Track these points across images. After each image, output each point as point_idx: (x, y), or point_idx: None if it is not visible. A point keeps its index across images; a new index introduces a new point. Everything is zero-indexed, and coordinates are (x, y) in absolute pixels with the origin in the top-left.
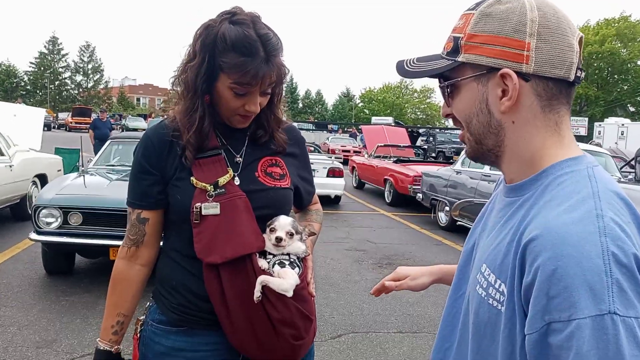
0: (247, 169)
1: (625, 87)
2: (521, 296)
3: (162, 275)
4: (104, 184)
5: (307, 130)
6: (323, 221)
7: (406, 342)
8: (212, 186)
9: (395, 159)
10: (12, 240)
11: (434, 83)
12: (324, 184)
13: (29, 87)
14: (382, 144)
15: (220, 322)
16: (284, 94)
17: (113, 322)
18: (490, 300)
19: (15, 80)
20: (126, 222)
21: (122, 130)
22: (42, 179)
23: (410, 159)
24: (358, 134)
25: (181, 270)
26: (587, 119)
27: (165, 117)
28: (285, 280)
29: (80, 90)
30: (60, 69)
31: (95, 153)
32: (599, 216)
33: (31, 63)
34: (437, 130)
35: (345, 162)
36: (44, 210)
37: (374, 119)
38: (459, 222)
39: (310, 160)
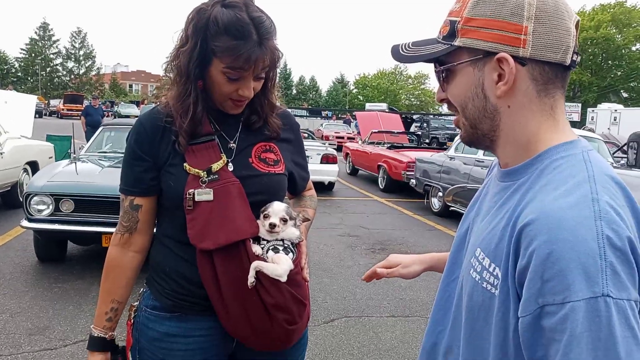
0: (240, 155)
1: (619, 73)
2: (515, 280)
3: (155, 262)
4: (96, 171)
5: (301, 116)
6: (317, 207)
7: (399, 326)
8: (205, 172)
9: (389, 145)
10: (3, 227)
11: (428, 69)
12: (317, 170)
13: (19, 74)
14: (376, 130)
15: (214, 307)
16: (277, 79)
17: (107, 309)
18: (484, 284)
19: (5, 67)
20: (118, 209)
21: (114, 117)
22: (33, 166)
23: (404, 145)
24: (352, 120)
25: (174, 257)
26: (580, 104)
27: (158, 103)
28: (279, 266)
29: (72, 76)
30: (52, 56)
31: (87, 140)
32: (595, 200)
33: (22, 49)
34: (431, 116)
35: (339, 148)
36: (35, 198)
37: (368, 105)
38: (452, 208)
39: (304, 147)
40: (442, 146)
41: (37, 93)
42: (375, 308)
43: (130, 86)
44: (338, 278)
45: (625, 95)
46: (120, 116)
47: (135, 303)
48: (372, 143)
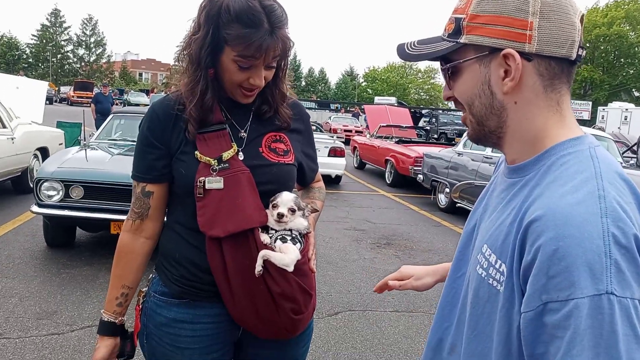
0: (251, 145)
1: (632, 72)
2: (520, 276)
3: (165, 248)
4: (106, 158)
5: (310, 109)
6: (324, 200)
7: (402, 321)
8: (216, 160)
9: (397, 139)
10: (13, 212)
11: (437, 64)
12: (325, 163)
13: (31, 60)
14: (385, 124)
15: (222, 295)
16: (288, 69)
17: (117, 294)
18: (490, 280)
19: (17, 53)
20: (127, 196)
21: (124, 106)
22: (44, 152)
23: (412, 139)
24: (361, 113)
25: (184, 243)
26: (590, 103)
27: (168, 92)
28: (286, 255)
29: (83, 64)
30: (63, 42)
31: (97, 127)
32: (601, 197)
33: (33, 35)
34: (440, 111)
35: (347, 141)
36: (45, 184)
37: (376, 99)
38: (459, 204)
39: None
40: (450, 142)
41: (48, 79)
42: (379, 302)
43: (140, 74)
44: (343, 271)
45: (637, 94)
46: (130, 104)
47: (144, 289)
48: (380, 137)
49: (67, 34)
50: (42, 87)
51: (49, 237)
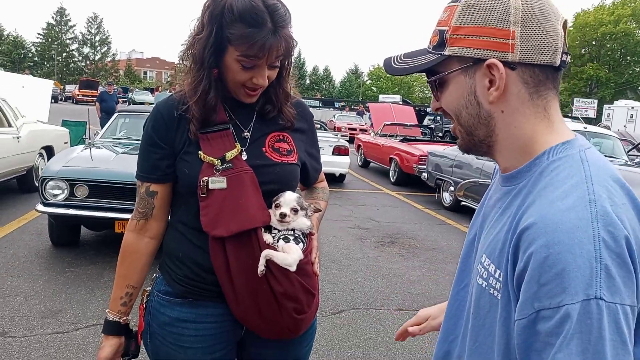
0: (254, 144)
1: (638, 70)
2: (514, 284)
3: (168, 248)
4: (111, 157)
5: (314, 107)
6: (328, 199)
7: (406, 319)
8: (219, 160)
9: (401, 137)
10: (18, 211)
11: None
12: (329, 161)
13: (36, 59)
14: (389, 123)
15: (225, 294)
16: (292, 69)
17: (122, 294)
18: (491, 290)
19: (22, 52)
20: (132, 195)
21: (128, 104)
22: (49, 151)
23: (417, 138)
24: (365, 112)
25: (188, 243)
26: (596, 101)
27: (174, 91)
28: (289, 255)
29: (88, 62)
30: (68, 41)
31: (102, 126)
32: (592, 201)
33: (38, 34)
34: None
35: (351, 140)
36: (50, 182)
37: (381, 97)
38: (463, 203)
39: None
40: (455, 140)
41: (53, 78)
42: (383, 301)
43: (145, 73)
44: (347, 270)
45: None
46: (135, 103)
47: (148, 288)
48: (385, 135)
49: (73, 32)
50: (47, 86)
51: (54, 236)
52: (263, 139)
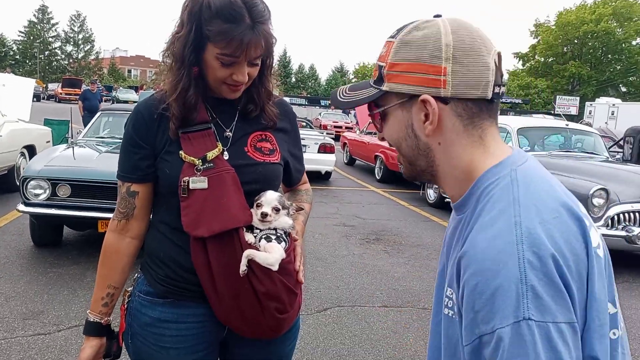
0: (236, 144)
1: (619, 67)
2: (461, 310)
3: (150, 248)
4: (93, 156)
5: (300, 105)
6: (313, 197)
7: (391, 316)
8: (200, 160)
9: None
10: None
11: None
12: (315, 159)
13: (18, 57)
14: None
15: (207, 294)
16: (275, 67)
17: (103, 294)
18: (457, 317)
19: (3, 50)
20: (115, 194)
21: (112, 102)
22: (31, 150)
23: None
24: (351, 110)
25: (169, 243)
26: (578, 98)
27: (157, 89)
28: (271, 255)
29: (71, 60)
30: (50, 39)
31: (85, 125)
32: (517, 224)
33: (20, 32)
34: None
35: (337, 138)
36: (32, 182)
37: None
38: (447, 199)
39: (302, 136)
40: None
41: (36, 76)
42: (368, 298)
43: (129, 71)
44: (332, 267)
45: (624, 89)
46: (119, 101)
47: (129, 288)
48: (370, 133)
49: (55, 30)
50: (29, 84)
51: (36, 236)
52: (245, 139)
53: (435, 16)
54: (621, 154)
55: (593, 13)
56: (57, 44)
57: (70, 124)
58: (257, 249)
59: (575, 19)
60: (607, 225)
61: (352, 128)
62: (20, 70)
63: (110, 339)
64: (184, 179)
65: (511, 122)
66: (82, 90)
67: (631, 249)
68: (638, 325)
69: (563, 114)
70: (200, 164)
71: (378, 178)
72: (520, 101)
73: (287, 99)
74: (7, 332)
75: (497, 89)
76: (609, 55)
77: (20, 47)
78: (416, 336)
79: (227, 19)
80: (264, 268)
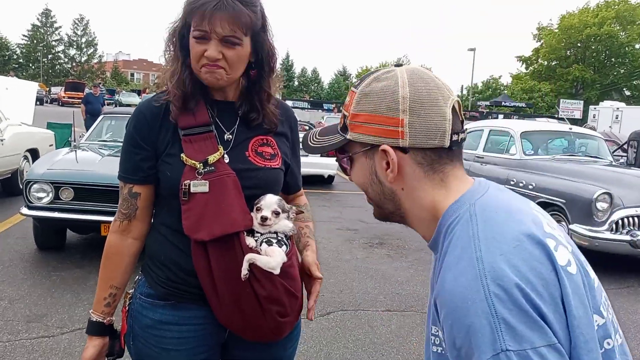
0: (237, 148)
1: (622, 71)
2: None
3: (151, 250)
4: (96, 159)
5: (302, 108)
6: (316, 201)
7: (394, 320)
8: (201, 164)
9: None
10: (3, 215)
11: (430, 62)
12: (317, 163)
13: (21, 61)
14: None
15: (208, 298)
16: (278, 70)
17: (105, 295)
18: (447, 353)
19: (7, 53)
20: (117, 198)
21: (116, 106)
22: (34, 154)
23: None
24: None
25: (170, 246)
26: (582, 102)
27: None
28: (272, 258)
29: (74, 64)
30: (54, 43)
31: (87, 128)
32: (478, 259)
33: (23, 36)
34: None
35: None
36: (35, 185)
37: None
38: None
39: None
40: None
41: (39, 80)
42: (372, 302)
43: (132, 75)
44: (335, 272)
45: (627, 93)
46: (122, 105)
47: (131, 290)
48: None
49: (58, 34)
50: (32, 88)
51: (39, 240)
52: (246, 143)
53: (396, 65)
54: (625, 158)
55: (596, 16)
56: (60, 47)
57: (73, 128)
58: (259, 253)
59: (578, 23)
60: (612, 230)
61: None
62: (24, 73)
63: (113, 339)
64: (185, 182)
65: (514, 126)
66: (84, 93)
67: (636, 254)
68: None
69: (567, 118)
70: (202, 167)
71: None
72: (523, 105)
73: (289, 103)
74: (11, 334)
75: (455, 137)
76: (613, 59)
77: (24, 50)
78: (419, 340)
79: None
80: (266, 272)
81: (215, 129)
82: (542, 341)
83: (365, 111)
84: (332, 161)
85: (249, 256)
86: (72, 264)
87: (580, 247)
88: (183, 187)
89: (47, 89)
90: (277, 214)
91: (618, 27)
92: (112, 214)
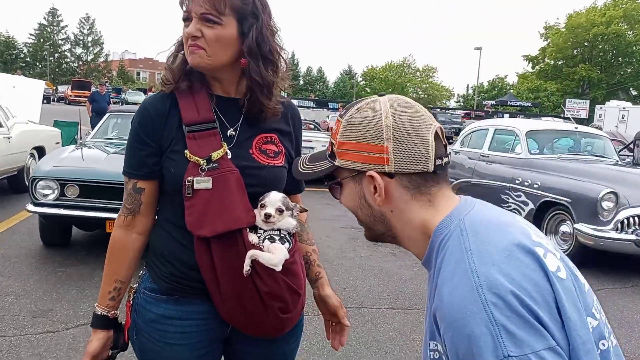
0: (241, 145)
1: (629, 70)
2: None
3: (155, 246)
4: (102, 157)
5: (308, 107)
6: (320, 199)
7: (397, 318)
8: (204, 160)
9: None
10: (9, 211)
11: (436, 62)
12: None
13: (28, 59)
14: None
15: (210, 293)
16: (283, 68)
17: (110, 289)
18: None
19: (14, 52)
20: (122, 195)
21: (121, 105)
22: (40, 152)
23: None
24: None
25: (173, 241)
26: (588, 101)
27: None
28: (274, 255)
29: (80, 63)
30: (60, 41)
31: (92, 126)
32: (472, 271)
33: (30, 35)
34: (438, 110)
35: None
36: (41, 182)
37: None
38: None
39: (310, 138)
40: (448, 140)
41: (45, 79)
42: (375, 300)
43: (138, 74)
44: (339, 269)
45: (634, 92)
46: (128, 103)
47: (135, 285)
48: None
49: (65, 33)
50: (39, 86)
51: (45, 236)
52: (250, 140)
53: (379, 95)
54: (631, 157)
55: (603, 15)
56: (67, 46)
57: (79, 126)
58: (261, 250)
59: (585, 22)
60: (617, 229)
61: None
62: (31, 72)
63: (117, 332)
64: (188, 178)
65: (520, 125)
66: (91, 92)
67: None
68: None
69: (572, 118)
70: (205, 164)
71: None
72: (529, 104)
73: (294, 102)
74: (17, 329)
75: (439, 161)
76: (620, 58)
77: (31, 49)
78: (422, 338)
79: None
80: (268, 268)
81: (219, 125)
82: (542, 345)
83: (351, 139)
84: None
85: (251, 252)
86: (78, 261)
87: (585, 247)
88: (186, 183)
89: (54, 87)
90: (280, 211)
91: (626, 27)
92: (117, 211)
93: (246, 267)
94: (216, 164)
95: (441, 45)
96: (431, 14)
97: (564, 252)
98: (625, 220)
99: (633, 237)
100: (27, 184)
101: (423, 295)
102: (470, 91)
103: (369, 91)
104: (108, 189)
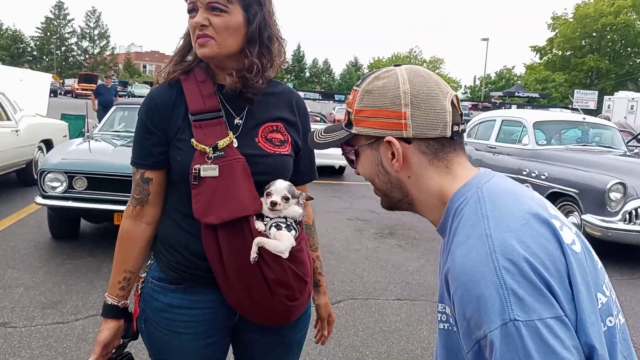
0: (247, 134)
1: (638, 61)
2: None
3: (162, 235)
4: (109, 149)
5: (314, 99)
6: (326, 191)
7: (404, 309)
8: (211, 148)
9: None
10: (18, 204)
11: (443, 54)
12: (328, 154)
13: (35, 53)
14: None
15: (217, 281)
16: (287, 60)
17: (120, 278)
18: (454, 328)
19: (21, 46)
20: (130, 187)
21: (128, 97)
22: (48, 144)
23: None
24: None
25: (180, 230)
26: (597, 92)
27: None
28: (281, 242)
29: (87, 56)
30: (67, 35)
31: (98, 119)
32: (487, 236)
33: (37, 28)
34: None
35: None
36: (49, 175)
37: None
38: None
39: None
40: None
41: (52, 72)
42: (382, 291)
43: (144, 67)
44: (345, 261)
45: None
46: (134, 96)
47: (143, 274)
48: None
49: (71, 26)
50: (46, 80)
51: (54, 229)
52: (256, 129)
53: (395, 65)
54: (639, 148)
55: (612, 5)
56: (74, 39)
57: (86, 119)
58: (268, 237)
59: (593, 12)
60: (625, 220)
61: None
62: (38, 66)
63: (128, 321)
64: (195, 166)
65: (527, 116)
66: (97, 85)
67: None
68: None
69: (581, 109)
70: (211, 152)
71: None
72: (537, 95)
73: (300, 94)
74: (27, 320)
75: (456, 128)
76: (629, 49)
77: (37, 43)
78: (429, 329)
79: None
80: (274, 255)
81: (225, 114)
82: (550, 313)
83: (369, 106)
84: None
85: (258, 240)
86: (86, 252)
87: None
88: (193, 171)
89: (61, 81)
90: (286, 199)
91: (635, 16)
92: (124, 203)
93: (253, 254)
94: (222, 152)
95: (447, 37)
96: (438, 4)
97: None
98: (633, 211)
99: None
100: (35, 176)
101: (430, 287)
102: (478, 82)
103: None
104: (116, 181)
